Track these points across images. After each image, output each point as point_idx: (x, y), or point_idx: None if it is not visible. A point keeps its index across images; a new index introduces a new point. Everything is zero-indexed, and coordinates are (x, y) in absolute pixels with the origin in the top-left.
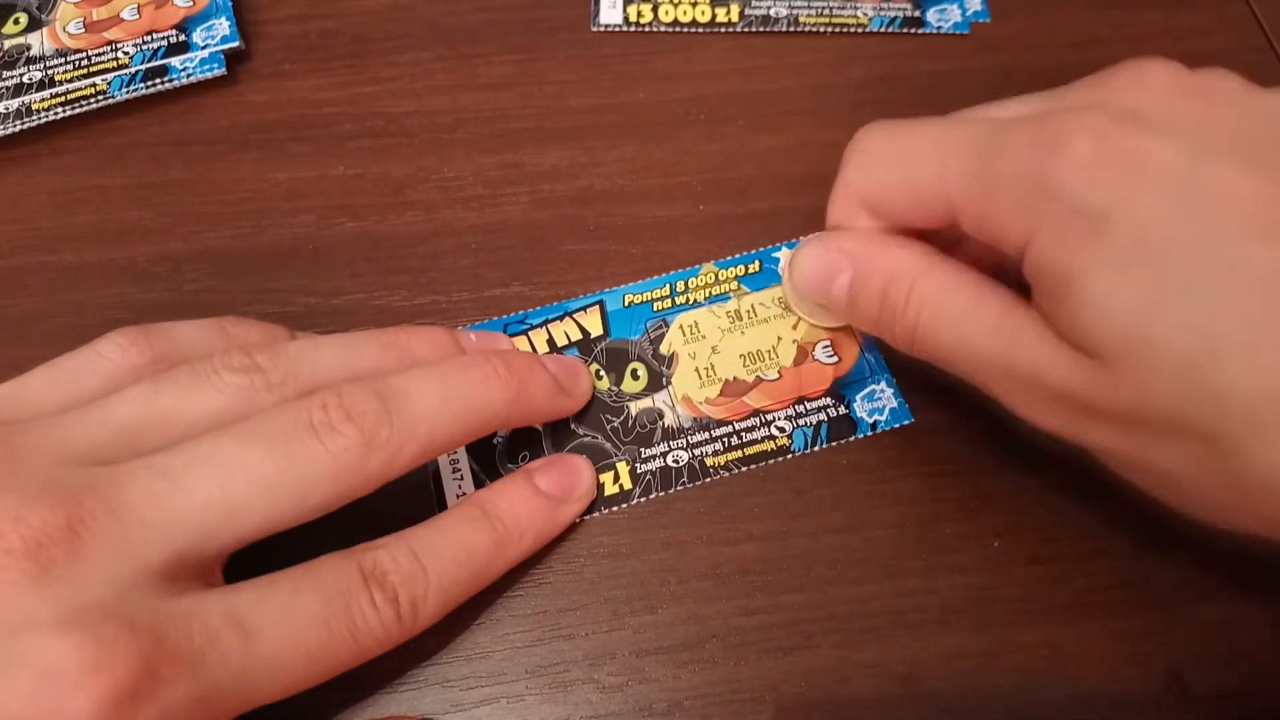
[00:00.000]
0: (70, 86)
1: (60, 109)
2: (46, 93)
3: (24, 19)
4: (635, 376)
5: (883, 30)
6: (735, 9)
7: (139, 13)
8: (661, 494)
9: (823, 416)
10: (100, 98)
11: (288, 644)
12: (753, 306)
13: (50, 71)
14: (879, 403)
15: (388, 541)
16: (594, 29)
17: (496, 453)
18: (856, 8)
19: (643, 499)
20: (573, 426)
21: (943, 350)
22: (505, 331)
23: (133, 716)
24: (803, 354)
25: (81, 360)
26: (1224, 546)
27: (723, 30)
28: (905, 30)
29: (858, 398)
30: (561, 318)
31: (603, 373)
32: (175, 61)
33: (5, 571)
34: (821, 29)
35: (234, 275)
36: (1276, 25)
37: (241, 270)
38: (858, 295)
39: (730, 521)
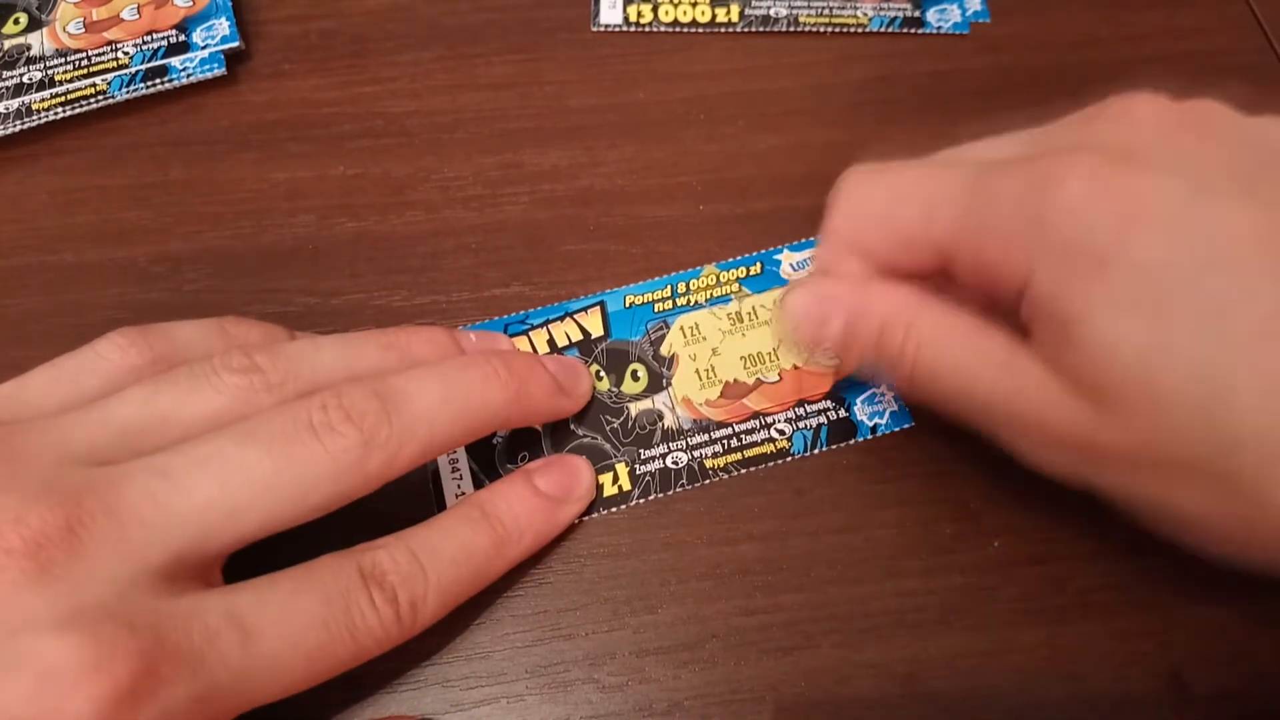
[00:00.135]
0: (70, 86)
1: (60, 109)
2: (46, 93)
3: (24, 19)
4: (635, 378)
5: (883, 30)
6: (735, 9)
7: (139, 13)
8: (661, 495)
9: (823, 419)
10: (100, 98)
11: (287, 644)
12: (753, 308)
13: (50, 71)
14: (879, 405)
15: (387, 542)
16: (594, 29)
17: (496, 453)
18: (856, 8)
19: (642, 500)
20: (572, 427)
21: (942, 393)
22: (506, 332)
23: (132, 716)
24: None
25: (81, 360)
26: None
27: (723, 30)
28: (905, 30)
29: (858, 400)
30: (562, 318)
31: (603, 373)
32: (175, 61)
33: (5, 571)
34: (821, 29)
35: (234, 275)
36: (1276, 25)
37: (241, 270)
38: (852, 340)
39: (730, 522)
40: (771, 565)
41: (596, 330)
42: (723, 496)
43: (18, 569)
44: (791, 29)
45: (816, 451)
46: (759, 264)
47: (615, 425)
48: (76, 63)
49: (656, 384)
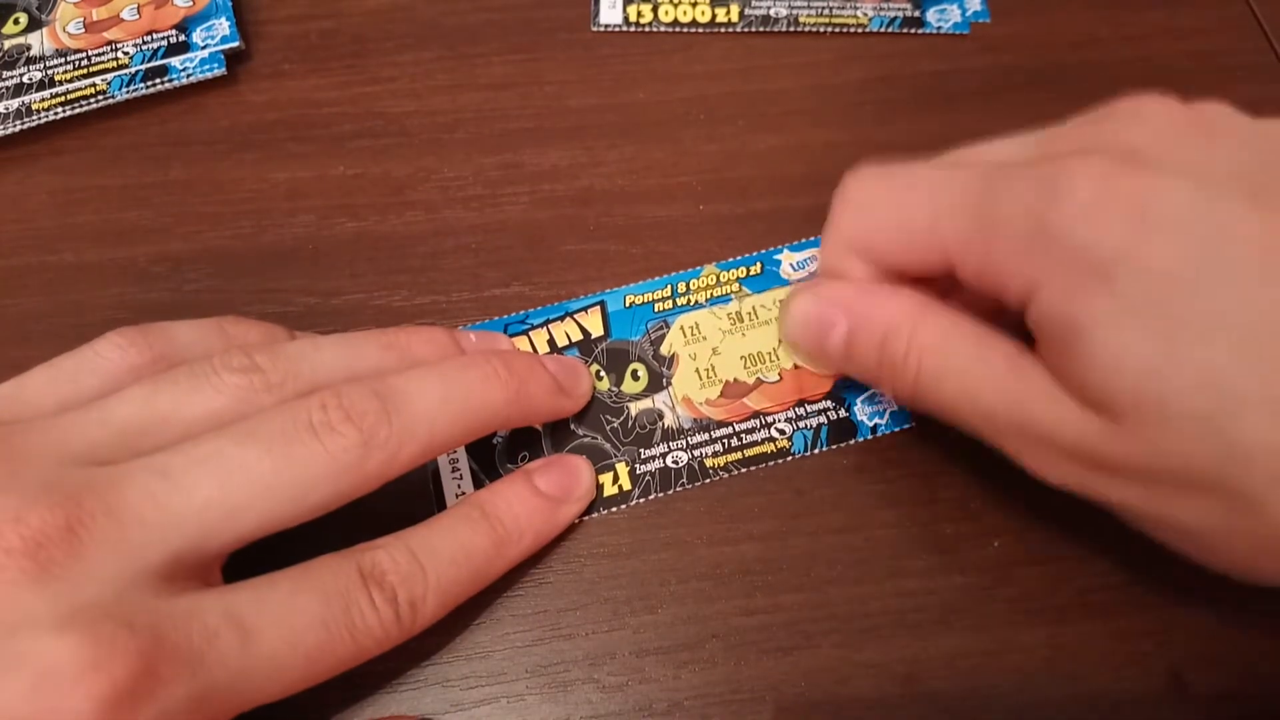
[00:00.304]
0: (70, 86)
1: (60, 109)
2: (46, 93)
3: (24, 19)
4: (635, 377)
5: (883, 30)
6: (735, 9)
7: (139, 13)
8: (661, 495)
9: (823, 419)
10: (100, 98)
11: (286, 644)
12: (754, 308)
13: (50, 71)
14: (879, 406)
15: (386, 541)
16: (594, 29)
17: (496, 453)
18: (856, 8)
19: (642, 500)
20: (572, 427)
21: (946, 404)
22: (506, 331)
23: (131, 716)
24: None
25: (80, 360)
26: None
27: (723, 30)
28: (905, 30)
29: (858, 400)
30: (562, 318)
31: (603, 373)
32: (175, 61)
33: (4, 571)
34: (821, 29)
35: (234, 275)
36: (1276, 25)
37: (241, 270)
38: (854, 348)
39: (730, 521)
40: (771, 565)
41: (596, 330)
42: (723, 496)
43: (17, 568)
44: (791, 29)
45: (817, 451)
46: (759, 264)
47: (615, 425)
48: (76, 63)
49: (657, 384)
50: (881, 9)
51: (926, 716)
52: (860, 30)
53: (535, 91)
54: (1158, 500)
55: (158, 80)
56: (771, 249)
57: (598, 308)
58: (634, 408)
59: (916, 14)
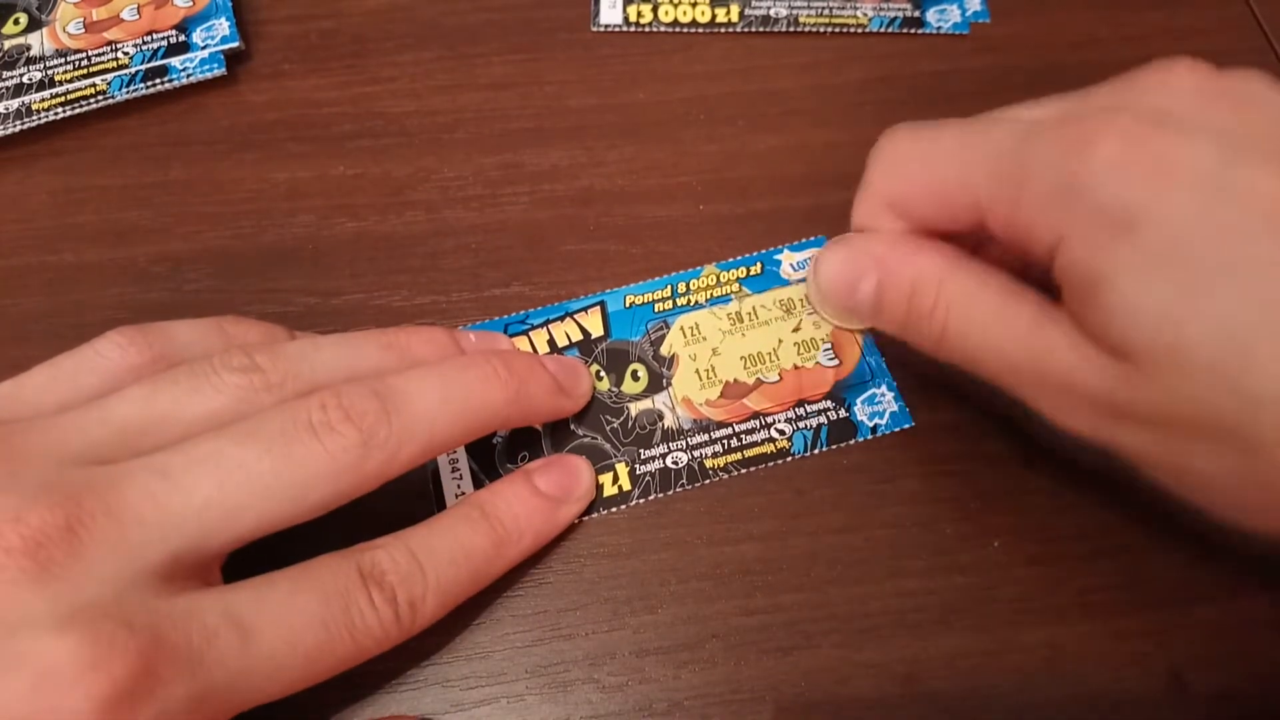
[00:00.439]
0: (70, 86)
1: (60, 109)
2: (46, 93)
3: (24, 19)
4: (635, 378)
5: (883, 30)
6: (735, 9)
7: (139, 13)
8: (661, 495)
9: (823, 419)
10: (100, 98)
11: (286, 644)
12: (754, 309)
13: (50, 71)
14: (879, 406)
15: (386, 541)
16: (594, 29)
17: (496, 453)
18: (856, 8)
19: (642, 500)
20: (572, 427)
21: (971, 353)
22: (506, 332)
23: (131, 716)
24: (803, 356)
25: (80, 359)
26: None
27: (723, 30)
28: (905, 30)
29: (858, 401)
30: (562, 318)
31: (603, 373)
32: (175, 61)
33: (4, 571)
34: (821, 29)
35: (234, 275)
36: (1276, 25)
37: (241, 270)
38: (884, 298)
39: (730, 521)
40: (771, 565)
41: (596, 330)
42: (723, 496)
43: (17, 568)
44: (791, 29)
45: (816, 451)
46: (759, 264)
47: (615, 425)
48: (76, 63)
49: (656, 384)
50: (881, 9)
51: (926, 716)
52: (860, 30)
53: (535, 91)
54: (1172, 447)
55: (158, 80)
56: (771, 249)
57: (598, 308)
58: (634, 408)
59: (916, 14)
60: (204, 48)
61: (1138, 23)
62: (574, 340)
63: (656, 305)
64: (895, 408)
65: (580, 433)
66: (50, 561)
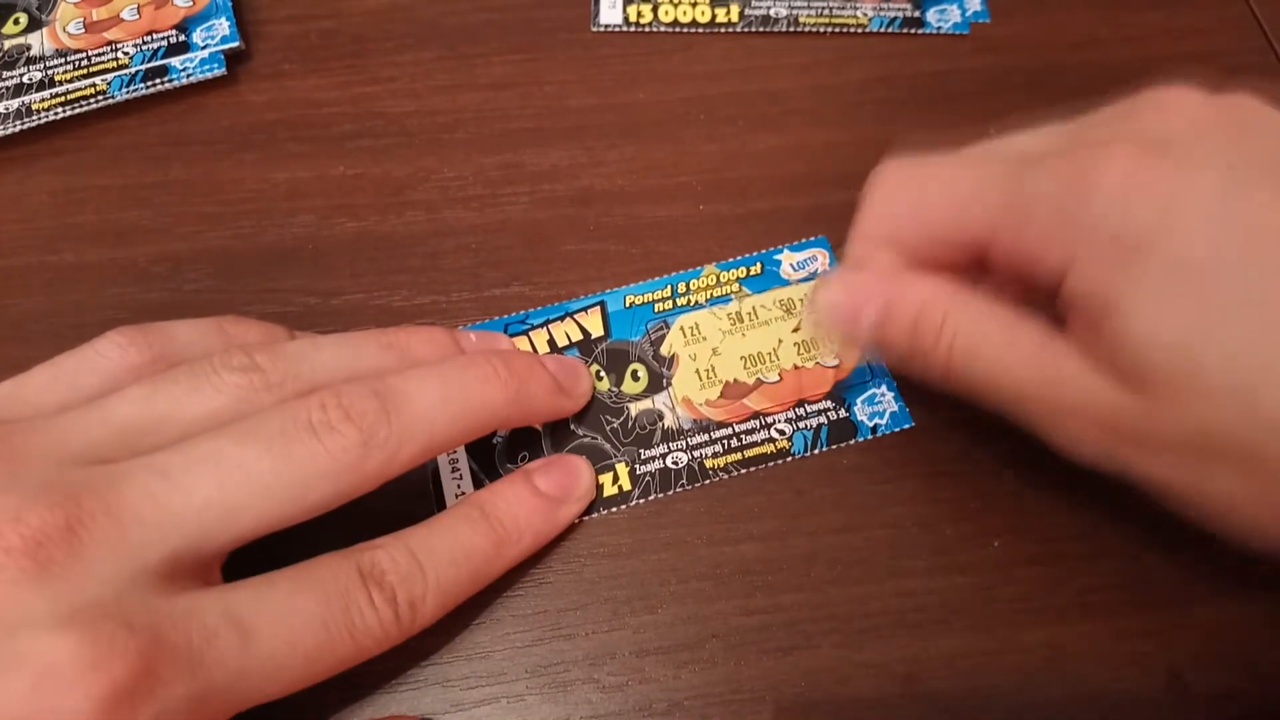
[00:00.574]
0: (70, 86)
1: (60, 109)
2: (46, 93)
3: (24, 19)
4: (635, 377)
5: (883, 30)
6: (735, 9)
7: (139, 13)
8: (661, 495)
9: (823, 419)
10: (100, 98)
11: (285, 643)
12: (754, 309)
13: (50, 71)
14: (879, 406)
15: (386, 541)
16: (594, 29)
17: (496, 453)
18: (856, 8)
19: (642, 500)
20: (572, 427)
21: (979, 382)
22: (506, 331)
23: (130, 715)
24: (803, 356)
25: (80, 359)
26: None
27: (723, 30)
28: (905, 30)
29: (858, 401)
30: (562, 318)
31: (603, 373)
32: (175, 61)
33: (4, 570)
34: (821, 29)
35: (234, 275)
36: (1276, 25)
37: (241, 270)
38: (888, 329)
39: (730, 521)
40: (771, 565)
41: (596, 330)
42: (723, 496)
43: (17, 568)
44: (791, 29)
45: (816, 451)
46: (759, 264)
47: (615, 425)
48: (76, 63)
49: (656, 384)
50: (881, 9)
51: (926, 716)
52: (860, 30)
53: (535, 91)
54: (1187, 472)
55: (158, 80)
56: (771, 249)
57: (598, 308)
58: (634, 408)
59: (916, 14)
60: (204, 48)
61: (1138, 23)
62: (574, 340)
63: (656, 305)
64: (895, 408)
65: (580, 433)
66: (50, 561)
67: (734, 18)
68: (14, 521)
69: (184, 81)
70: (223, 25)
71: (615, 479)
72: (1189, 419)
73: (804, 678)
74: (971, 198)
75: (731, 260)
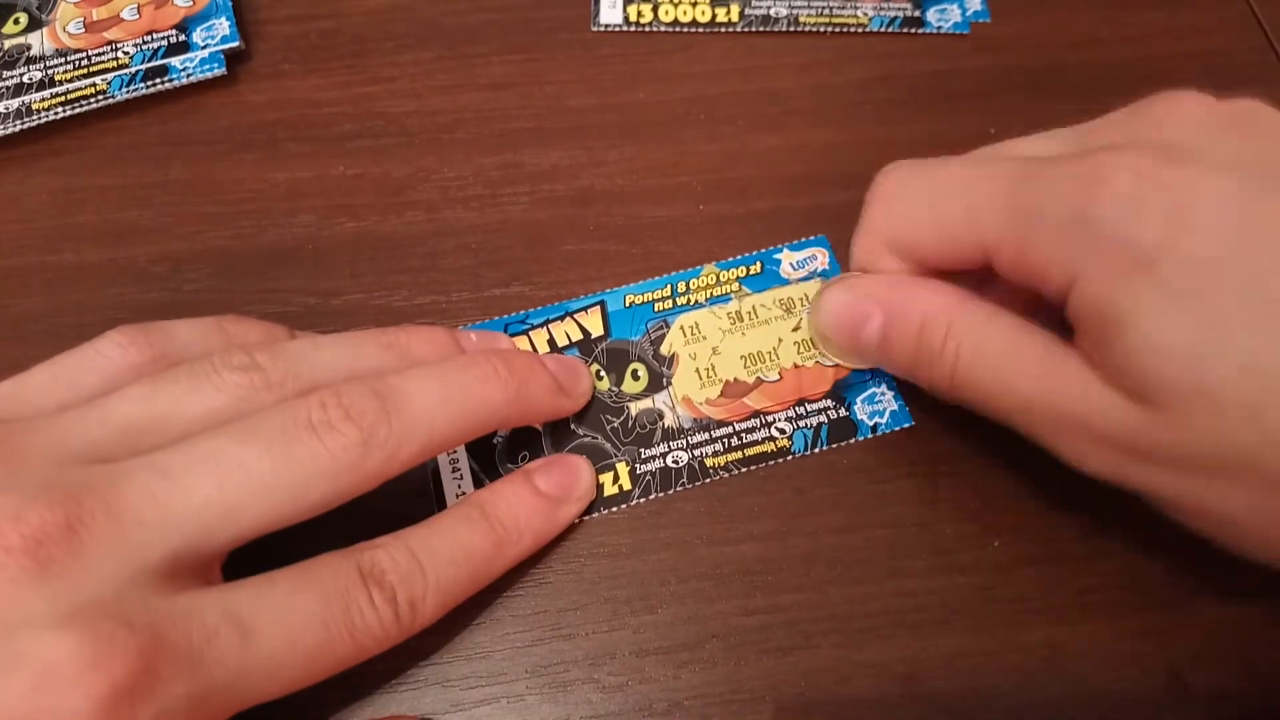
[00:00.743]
0: (70, 86)
1: (60, 109)
2: (46, 93)
3: (24, 19)
4: (636, 377)
5: (883, 30)
6: (735, 9)
7: (139, 13)
8: (661, 495)
9: (823, 418)
10: (100, 98)
11: (285, 643)
12: (754, 308)
13: (50, 71)
14: (879, 405)
15: (386, 541)
16: (594, 29)
17: (496, 452)
18: (856, 8)
19: (642, 500)
20: (573, 427)
21: (983, 394)
22: (506, 331)
23: (130, 714)
24: (803, 355)
25: (81, 358)
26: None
27: (723, 30)
28: (905, 30)
29: (858, 400)
30: (562, 318)
31: (603, 373)
32: (175, 61)
33: (4, 569)
34: (821, 29)
35: (234, 275)
36: (1276, 25)
37: (241, 270)
38: (891, 340)
39: (730, 521)
40: (771, 565)
41: (597, 330)
42: (723, 496)
43: (17, 566)
44: (791, 29)
45: (817, 451)
46: (759, 263)
47: (615, 425)
48: (76, 63)
49: (657, 383)
50: (881, 9)
51: (926, 716)
52: (860, 30)
53: (535, 91)
54: (1194, 486)
55: (158, 80)
56: (771, 248)
57: (598, 308)
58: (634, 407)
59: (916, 14)
60: (204, 47)
61: (1138, 23)
62: (574, 340)
63: (656, 305)
64: (895, 407)
65: (580, 432)
66: (50, 560)
67: (734, 17)
68: (14, 520)
69: (184, 81)
70: (223, 25)
71: (615, 478)
72: (1195, 432)
73: (804, 678)
74: (978, 203)
75: (731, 260)
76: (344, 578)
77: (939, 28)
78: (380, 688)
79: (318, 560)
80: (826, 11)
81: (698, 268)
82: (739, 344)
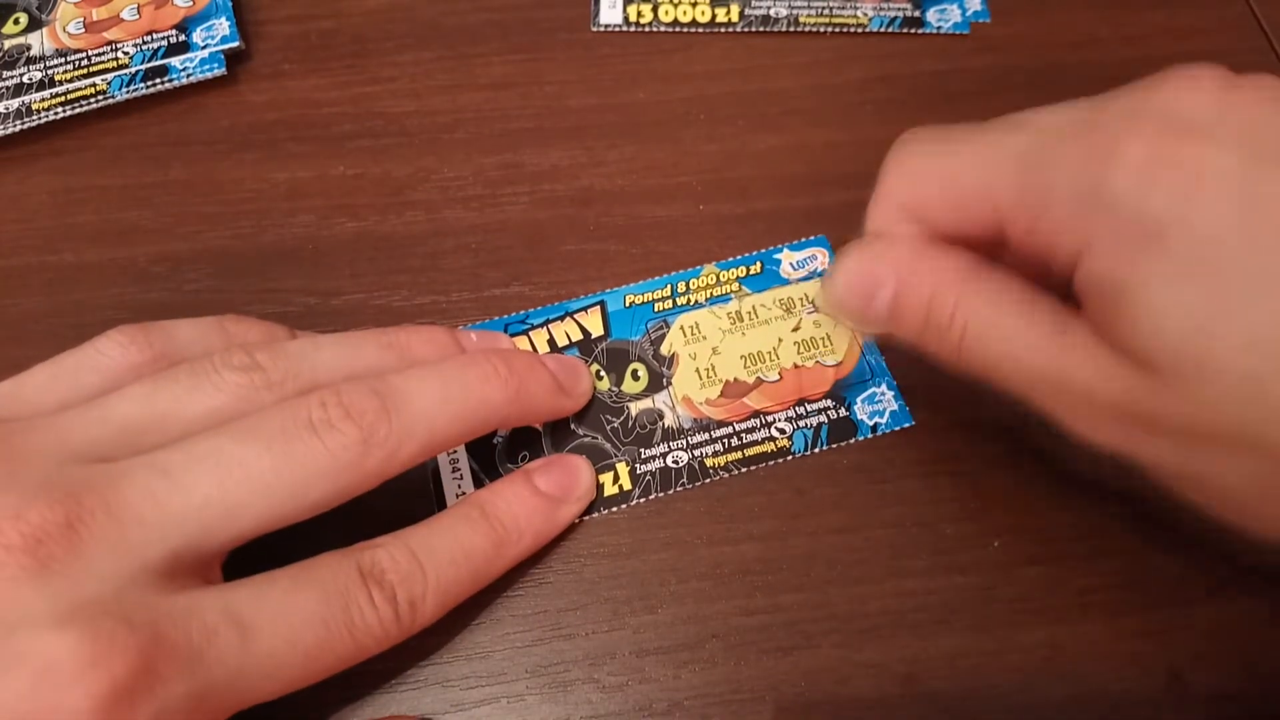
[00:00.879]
0: (70, 86)
1: (60, 109)
2: (46, 93)
3: (24, 19)
4: (636, 377)
5: (883, 30)
6: (735, 9)
7: (139, 13)
8: (661, 495)
9: (823, 418)
10: (100, 98)
11: (285, 642)
12: (754, 308)
13: (50, 71)
14: (879, 405)
15: (386, 540)
16: (594, 29)
17: (496, 452)
18: (856, 8)
19: (642, 500)
20: (573, 426)
21: (991, 364)
22: (506, 331)
23: (130, 713)
24: (803, 355)
25: (81, 358)
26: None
27: (723, 30)
28: (905, 30)
29: (858, 400)
30: (562, 318)
31: (603, 373)
32: (175, 61)
33: (4, 568)
34: (821, 29)
35: (234, 275)
36: (1276, 25)
37: (241, 270)
38: (901, 308)
39: (730, 521)
40: (771, 565)
41: (597, 330)
42: (723, 496)
43: (17, 565)
44: (791, 29)
45: (817, 451)
46: (759, 263)
47: (615, 425)
48: (76, 63)
49: (657, 383)
50: (881, 9)
51: (926, 716)
52: (860, 30)
53: (535, 91)
54: (1197, 459)
55: (158, 80)
56: (771, 248)
57: (598, 308)
58: (634, 407)
59: (916, 14)
60: (204, 47)
61: (1138, 23)
62: (574, 340)
63: (656, 305)
64: (895, 407)
65: (580, 432)
66: (50, 559)
67: (734, 17)
68: (14, 519)
69: (184, 81)
70: (223, 25)
71: (615, 478)
72: (1199, 404)
73: (804, 678)
74: (992, 172)
75: (731, 260)
76: (344, 577)
77: (939, 28)
78: (380, 688)
79: (318, 560)
80: (826, 12)
81: (698, 268)
82: (739, 344)
